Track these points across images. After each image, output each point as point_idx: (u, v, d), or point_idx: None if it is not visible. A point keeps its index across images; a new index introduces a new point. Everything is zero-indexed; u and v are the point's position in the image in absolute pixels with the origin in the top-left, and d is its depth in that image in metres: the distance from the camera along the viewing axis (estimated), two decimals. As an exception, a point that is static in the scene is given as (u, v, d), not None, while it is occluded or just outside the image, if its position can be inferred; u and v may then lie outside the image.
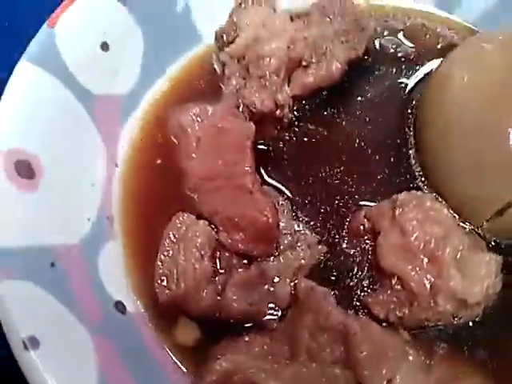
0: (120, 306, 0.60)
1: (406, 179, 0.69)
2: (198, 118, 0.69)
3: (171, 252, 0.61)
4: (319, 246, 0.64)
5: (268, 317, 0.60)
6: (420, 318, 0.55)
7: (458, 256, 0.55)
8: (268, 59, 0.69)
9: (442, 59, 0.71)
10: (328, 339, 0.53)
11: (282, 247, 0.63)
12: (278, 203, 0.66)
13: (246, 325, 0.60)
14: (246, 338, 0.57)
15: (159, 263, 0.61)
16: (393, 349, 0.52)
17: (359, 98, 0.76)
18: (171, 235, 0.62)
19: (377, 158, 0.72)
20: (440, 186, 0.65)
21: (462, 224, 0.62)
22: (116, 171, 0.71)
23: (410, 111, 0.73)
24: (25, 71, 0.64)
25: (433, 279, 0.54)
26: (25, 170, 0.59)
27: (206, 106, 0.71)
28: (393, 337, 0.54)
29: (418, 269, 0.55)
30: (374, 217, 0.61)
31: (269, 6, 0.76)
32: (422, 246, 0.56)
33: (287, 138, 0.75)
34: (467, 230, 0.62)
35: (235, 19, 0.74)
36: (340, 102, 0.76)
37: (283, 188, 0.70)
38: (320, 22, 0.73)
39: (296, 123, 0.75)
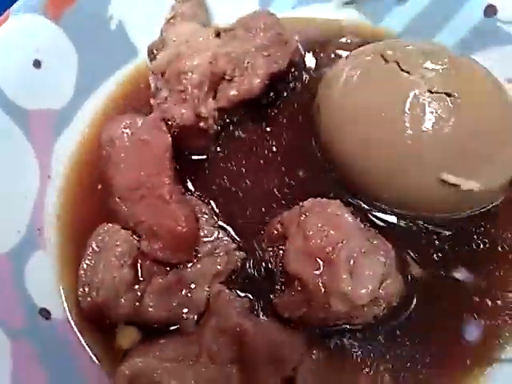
0: (44, 313, 0.64)
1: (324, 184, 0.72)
2: (128, 130, 0.72)
3: (93, 261, 0.64)
4: (237, 252, 0.67)
5: (186, 321, 0.63)
6: (319, 317, 0.58)
7: (353, 259, 0.58)
8: (190, 74, 0.72)
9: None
10: (226, 340, 0.56)
11: (201, 254, 0.66)
12: (201, 211, 0.69)
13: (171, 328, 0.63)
14: (161, 341, 0.60)
15: (81, 272, 0.64)
16: (289, 346, 0.55)
17: (282, 110, 0.79)
18: (94, 244, 0.65)
19: (297, 165, 0.74)
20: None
21: (365, 228, 0.64)
22: (49, 184, 0.73)
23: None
24: None
25: (327, 281, 0.57)
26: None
27: (136, 118, 0.73)
28: (291, 336, 0.57)
29: (315, 271, 0.58)
30: (285, 223, 0.64)
31: (198, 22, 0.79)
32: (320, 250, 0.59)
33: (215, 148, 0.77)
34: (373, 233, 0.64)
35: (164, 35, 0.77)
36: (264, 113, 0.78)
37: (208, 197, 0.73)
38: (243, 36, 0.76)
39: (223, 134, 0.77)
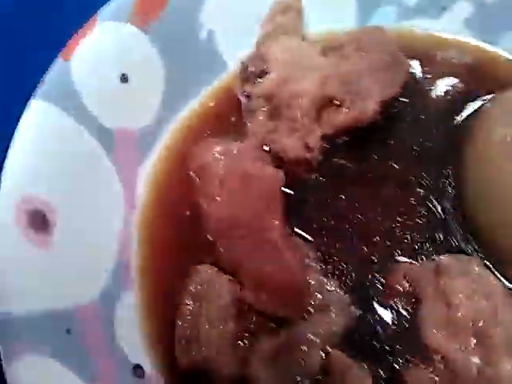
0: (138, 371, 0.56)
1: (447, 236, 0.63)
2: (222, 157, 0.64)
3: (192, 311, 0.57)
4: (352, 308, 0.58)
5: None
6: None
7: (510, 337, 0.50)
8: (299, 99, 0.63)
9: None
10: None
11: (311, 309, 0.57)
12: (308, 257, 0.61)
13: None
14: None
15: (180, 323, 0.56)
16: None
17: (392, 140, 0.70)
18: (193, 291, 0.57)
19: (414, 207, 0.65)
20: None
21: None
22: (134, 215, 0.65)
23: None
24: (37, 109, 0.59)
25: (480, 363, 0.49)
26: (39, 221, 0.54)
27: (229, 143, 0.66)
28: None
29: (464, 349, 0.50)
30: (414, 279, 0.56)
31: (298, 35, 0.70)
32: (470, 324, 0.51)
33: (314, 181, 0.68)
34: None
35: (263, 50, 0.69)
36: (371, 141, 0.69)
37: (310, 238, 0.64)
38: (354, 56, 0.67)
39: (325, 165, 0.69)
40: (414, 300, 0.56)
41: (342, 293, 0.59)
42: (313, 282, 0.59)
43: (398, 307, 0.58)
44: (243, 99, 0.72)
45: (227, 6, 0.73)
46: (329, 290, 0.59)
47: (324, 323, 0.57)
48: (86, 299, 0.56)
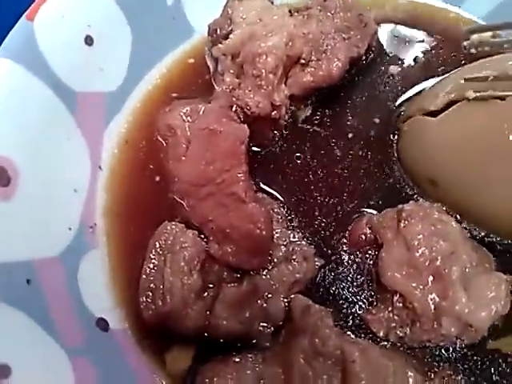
0: (102, 324, 0.58)
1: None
2: (189, 118, 0.66)
3: (157, 264, 0.58)
4: (316, 259, 0.60)
5: (261, 335, 0.56)
6: (422, 339, 0.53)
7: (465, 274, 0.53)
8: (264, 57, 0.65)
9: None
10: (324, 365, 0.50)
11: (275, 260, 0.60)
12: (274, 211, 0.62)
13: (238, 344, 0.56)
14: (237, 359, 0.54)
15: (144, 276, 0.58)
16: (393, 374, 0.49)
17: (356, 99, 0.72)
18: (157, 246, 0.59)
19: (377, 163, 0.67)
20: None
21: (469, 236, 0.58)
22: (100, 175, 0.66)
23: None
24: (1, 68, 0.59)
25: (438, 299, 0.52)
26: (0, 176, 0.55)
27: (196, 104, 0.67)
28: (392, 360, 0.51)
29: (422, 287, 0.53)
30: (376, 226, 0.59)
31: (265, -1, 0.71)
32: (427, 263, 0.53)
33: (282, 139, 0.70)
34: (475, 243, 0.58)
35: (230, 12, 0.70)
36: (338, 102, 0.71)
37: (277, 194, 0.67)
38: (320, 16, 0.69)
39: (292, 124, 0.70)
40: (375, 245, 0.57)
41: (305, 243, 0.60)
42: (277, 235, 0.60)
43: (361, 254, 0.59)
44: (211, 63, 0.73)
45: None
46: (292, 242, 0.61)
47: (287, 272, 0.59)
48: (48, 253, 0.57)
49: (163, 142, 0.67)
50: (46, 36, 0.64)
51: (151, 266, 0.58)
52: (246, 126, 0.62)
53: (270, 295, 0.57)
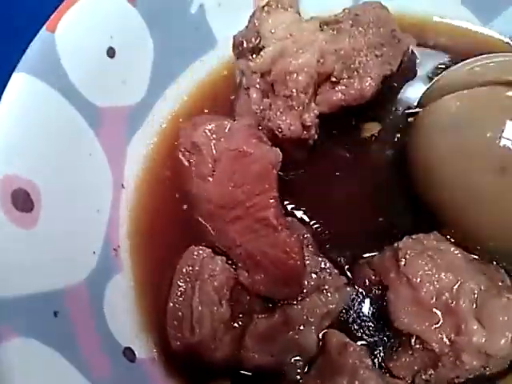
0: (129, 353, 0.56)
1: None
2: (214, 136, 0.63)
3: (185, 292, 0.57)
4: (348, 289, 0.59)
5: (291, 368, 0.56)
6: (448, 378, 0.53)
7: (476, 302, 0.52)
8: (295, 75, 0.63)
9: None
10: None
11: (307, 289, 0.58)
12: (303, 236, 0.61)
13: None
14: None
15: (171, 304, 0.57)
16: None
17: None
18: (185, 272, 0.58)
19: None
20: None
21: (473, 257, 0.57)
22: (123, 194, 0.64)
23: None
24: (21, 83, 0.57)
25: (453, 336, 0.52)
26: (22, 201, 0.52)
27: (222, 121, 0.64)
28: None
29: (435, 326, 0.52)
30: (378, 269, 0.59)
31: (294, 10, 0.69)
32: (434, 300, 0.53)
33: (309, 161, 0.69)
34: (481, 263, 0.57)
35: (257, 25, 0.67)
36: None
37: (306, 218, 0.66)
38: (352, 31, 0.67)
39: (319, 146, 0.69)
40: (381, 288, 0.58)
41: (336, 272, 0.59)
42: (308, 262, 0.59)
43: (372, 296, 0.60)
44: (238, 75, 0.71)
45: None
46: (323, 270, 0.60)
47: (320, 303, 0.58)
48: (73, 281, 0.56)
49: (187, 159, 0.65)
50: (67, 48, 0.61)
51: (179, 293, 0.58)
52: (278, 149, 0.60)
53: (301, 327, 0.57)
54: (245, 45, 0.69)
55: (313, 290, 0.59)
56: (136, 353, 0.57)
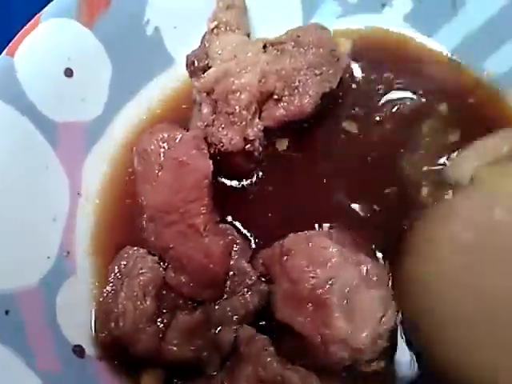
0: (78, 350, 0.63)
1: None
2: (165, 145, 0.69)
3: (114, 288, 0.64)
4: (262, 288, 0.64)
5: (210, 363, 0.62)
6: (325, 364, 0.58)
7: (347, 297, 0.57)
8: (238, 94, 0.69)
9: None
10: None
11: (228, 291, 0.64)
12: (235, 243, 0.67)
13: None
14: None
15: (101, 299, 0.64)
16: None
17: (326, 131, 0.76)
18: (116, 270, 0.65)
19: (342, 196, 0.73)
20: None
21: (353, 253, 0.62)
22: (79, 203, 0.70)
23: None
24: None
25: (322, 329, 0.57)
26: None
27: (174, 131, 0.70)
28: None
29: (307, 318, 0.58)
30: (266, 262, 0.64)
31: (243, 32, 0.75)
32: (309, 294, 0.58)
33: (261, 171, 0.76)
34: (362, 257, 0.61)
35: (206, 46, 0.74)
36: (309, 138, 0.76)
37: (244, 226, 0.72)
38: (294, 52, 0.73)
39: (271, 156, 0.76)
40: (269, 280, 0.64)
41: (257, 277, 0.65)
42: (233, 266, 0.65)
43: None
44: (193, 92, 0.76)
45: (173, 3, 0.77)
46: (246, 273, 0.65)
47: (239, 304, 0.63)
48: (26, 283, 0.63)
49: (138, 165, 0.70)
50: (26, 71, 0.68)
51: (109, 289, 0.64)
52: (210, 162, 0.67)
53: (221, 325, 0.63)
54: (196, 64, 0.76)
55: (234, 292, 0.64)
56: (85, 349, 0.64)
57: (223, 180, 0.75)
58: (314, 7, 0.82)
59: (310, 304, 0.58)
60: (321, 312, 0.57)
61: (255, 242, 0.71)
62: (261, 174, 0.76)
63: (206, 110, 0.73)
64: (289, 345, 0.61)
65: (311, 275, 0.58)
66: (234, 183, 0.75)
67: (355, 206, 0.72)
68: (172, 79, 0.82)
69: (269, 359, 0.57)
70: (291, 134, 0.77)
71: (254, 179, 0.76)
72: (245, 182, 0.76)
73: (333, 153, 0.77)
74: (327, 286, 0.57)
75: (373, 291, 0.58)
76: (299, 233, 0.65)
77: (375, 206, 0.72)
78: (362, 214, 0.72)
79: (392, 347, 0.62)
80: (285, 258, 0.61)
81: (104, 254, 0.71)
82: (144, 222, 0.67)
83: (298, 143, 0.77)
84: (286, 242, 0.63)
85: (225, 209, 0.72)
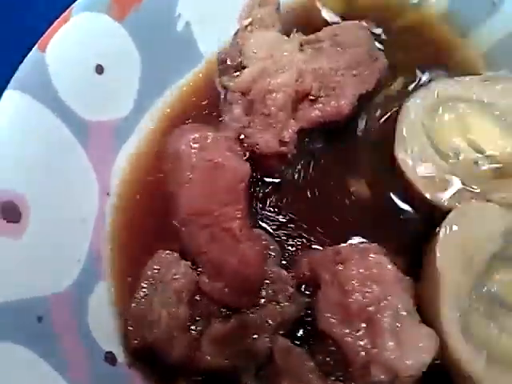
0: (110, 357, 0.62)
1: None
2: (196, 145, 0.68)
3: (148, 293, 0.63)
4: (301, 299, 0.64)
5: (245, 373, 0.61)
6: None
7: (398, 321, 0.56)
8: (274, 94, 0.67)
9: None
10: None
11: (264, 298, 0.63)
12: (270, 248, 0.66)
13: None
14: None
15: (134, 305, 0.63)
16: None
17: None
18: (149, 275, 0.64)
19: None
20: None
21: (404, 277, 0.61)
22: (108, 203, 0.69)
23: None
24: (12, 100, 0.64)
25: (369, 347, 0.55)
26: (11, 212, 0.57)
27: (205, 132, 0.69)
28: None
29: (354, 334, 0.56)
30: (316, 267, 0.63)
31: (276, 29, 0.73)
32: (360, 309, 0.57)
33: (294, 173, 0.74)
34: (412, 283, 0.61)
35: (240, 44, 0.72)
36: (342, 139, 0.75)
37: (277, 231, 0.71)
38: (331, 51, 0.72)
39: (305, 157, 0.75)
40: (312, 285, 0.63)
41: (293, 285, 0.64)
42: (270, 274, 0.64)
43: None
44: (221, 90, 0.75)
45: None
46: (281, 279, 0.64)
47: (275, 312, 0.62)
48: (58, 288, 0.62)
49: (169, 166, 0.69)
50: (57, 66, 0.67)
51: (142, 294, 0.63)
52: (248, 164, 0.66)
53: (256, 334, 0.61)
54: (228, 62, 0.74)
55: (269, 300, 0.63)
56: (117, 357, 0.63)
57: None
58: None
59: (358, 319, 0.57)
60: (371, 330, 0.56)
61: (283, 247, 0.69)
62: (292, 174, 0.74)
63: (237, 110, 0.71)
64: (324, 356, 0.59)
65: (367, 290, 0.57)
66: (262, 183, 0.74)
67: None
68: (200, 76, 0.80)
69: (310, 375, 0.56)
70: (325, 135, 0.75)
71: (285, 180, 0.74)
72: (272, 184, 0.74)
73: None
74: (382, 305, 0.56)
75: (423, 326, 0.56)
76: (355, 243, 0.64)
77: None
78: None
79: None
80: (339, 266, 0.60)
81: (132, 257, 0.70)
82: (177, 224, 0.66)
83: (331, 144, 0.75)
84: (343, 251, 0.61)
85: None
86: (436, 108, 0.70)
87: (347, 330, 0.57)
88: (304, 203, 0.72)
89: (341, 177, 0.74)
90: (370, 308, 0.56)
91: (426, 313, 0.60)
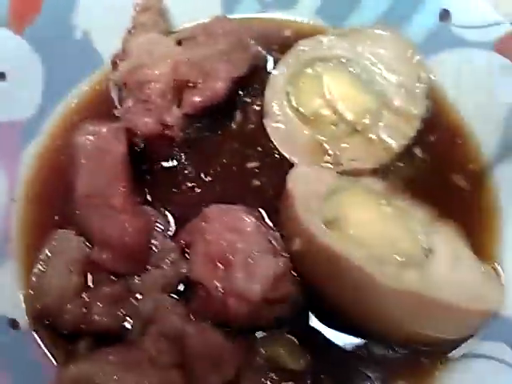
0: (13, 323, 0.70)
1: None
2: (90, 137, 0.76)
3: (44, 266, 0.71)
4: (181, 262, 0.70)
5: (131, 330, 0.67)
6: (226, 320, 0.62)
7: (251, 259, 0.62)
8: (152, 84, 0.75)
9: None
10: (167, 345, 0.61)
11: (153, 265, 0.70)
12: (156, 222, 0.73)
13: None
14: (107, 348, 0.65)
15: (32, 277, 0.70)
16: (229, 349, 0.61)
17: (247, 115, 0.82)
18: (47, 250, 0.70)
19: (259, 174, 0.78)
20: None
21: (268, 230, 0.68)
22: (16, 194, 0.80)
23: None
24: None
25: (225, 283, 0.62)
26: None
27: (100, 126, 0.76)
28: (231, 339, 0.62)
29: (216, 275, 0.63)
30: (190, 231, 0.70)
31: (158, 31, 0.82)
32: (220, 254, 0.64)
33: (184, 156, 0.82)
34: (276, 235, 0.68)
35: (124, 45, 0.80)
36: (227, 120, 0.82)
37: (168, 206, 0.78)
38: (204, 43, 0.79)
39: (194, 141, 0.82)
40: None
41: (177, 251, 0.71)
42: (155, 243, 0.72)
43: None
44: (114, 90, 0.84)
45: (99, 6, 0.85)
46: (167, 249, 0.71)
47: (159, 277, 0.70)
48: None
49: (70, 158, 0.77)
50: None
51: (39, 267, 0.71)
52: (122, 144, 0.72)
53: (141, 296, 0.69)
54: (117, 62, 0.82)
55: (155, 266, 0.70)
56: (20, 323, 0.71)
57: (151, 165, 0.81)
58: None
59: (220, 263, 0.64)
60: (227, 270, 0.63)
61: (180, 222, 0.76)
62: (184, 157, 0.82)
63: (126, 101, 0.80)
64: (200, 304, 0.66)
65: (223, 237, 0.64)
66: (159, 167, 0.81)
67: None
68: (103, 77, 0.89)
69: (169, 316, 0.62)
70: (212, 119, 0.83)
71: (178, 163, 0.81)
72: (169, 165, 0.81)
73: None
74: (236, 248, 0.63)
75: (277, 259, 0.64)
76: (220, 204, 0.71)
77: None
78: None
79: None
80: (203, 223, 0.68)
81: (36, 238, 0.77)
82: (75, 208, 0.73)
83: (217, 127, 0.83)
84: (206, 211, 0.69)
85: (151, 192, 0.79)
86: (299, 73, 0.78)
87: (211, 274, 0.64)
88: (197, 182, 0.80)
89: (232, 157, 0.81)
90: (227, 253, 0.63)
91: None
